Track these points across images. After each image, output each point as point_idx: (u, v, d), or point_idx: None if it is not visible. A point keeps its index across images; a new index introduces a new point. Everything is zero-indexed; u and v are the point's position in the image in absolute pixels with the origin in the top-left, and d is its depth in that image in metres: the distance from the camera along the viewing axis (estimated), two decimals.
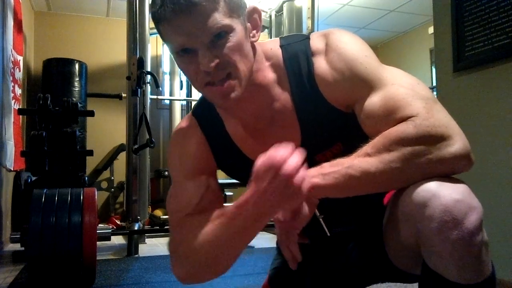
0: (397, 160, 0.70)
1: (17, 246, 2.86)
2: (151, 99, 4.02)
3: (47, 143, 2.74)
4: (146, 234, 3.71)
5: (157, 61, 5.25)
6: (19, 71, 3.60)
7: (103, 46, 5.02)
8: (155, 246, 3.51)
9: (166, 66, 5.31)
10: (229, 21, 0.77)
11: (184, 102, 5.19)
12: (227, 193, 4.06)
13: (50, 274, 1.88)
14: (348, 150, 0.77)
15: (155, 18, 0.79)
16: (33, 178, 2.93)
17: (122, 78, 3.62)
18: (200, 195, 0.90)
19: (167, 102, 5.17)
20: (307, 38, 0.88)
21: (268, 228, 4.60)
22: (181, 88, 5.13)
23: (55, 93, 3.76)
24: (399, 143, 0.70)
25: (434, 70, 4.88)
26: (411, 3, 4.74)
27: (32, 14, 4.82)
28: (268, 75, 0.87)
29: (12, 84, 3.30)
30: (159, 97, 4.87)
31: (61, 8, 4.92)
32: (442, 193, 0.68)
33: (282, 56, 0.88)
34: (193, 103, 5.09)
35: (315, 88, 0.85)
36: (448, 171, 0.72)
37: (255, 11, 0.85)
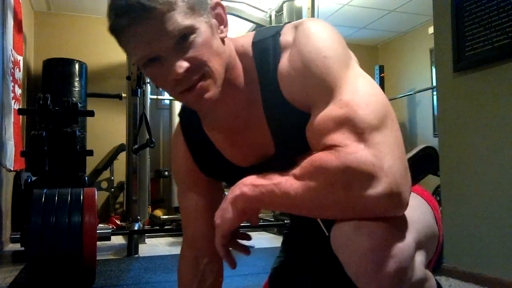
0: (314, 190, 0.66)
1: (17, 246, 2.86)
2: (151, 99, 4.02)
3: (47, 143, 2.74)
4: (146, 234, 3.71)
5: None
6: (19, 71, 3.59)
7: (103, 46, 5.01)
8: (155, 246, 3.51)
9: None
10: (191, 20, 0.72)
11: None
12: (227, 193, 4.05)
13: (50, 274, 1.88)
14: None
15: (113, 32, 0.74)
16: (33, 178, 2.93)
17: (122, 78, 3.62)
18: (191, 222, 1.01)
19: (167, 102, 5.17)
20: (277, 33, 0.82)
21: (268, 228, 4.57)
22: None
23: (55, 93, 3.75)
24: (319, 173, 0.65)
25: (434, 70, 4.88)
26: (411, 3, 4.73)
27: (32, 14, 4.82)
28: (241, 74, 0.83)
29: (12, 84, 3.30)
30: (159, 97, 4.86)
31: (61, 8, 4.92)
32: (355, 241, 0.64)
33: (253, 54, 0.83)
34: None
35: (277, 86, 0.80)
36: (369, 212, 0.65)
37: (217, 5, 0.80)
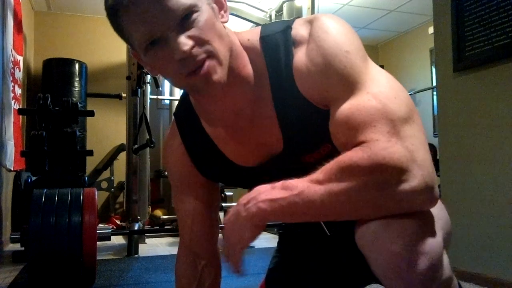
0: (345, 193, 0.62)
1: (17, 246, 2.86)
2: (151, 99, 4.02)
3: (47, 143, 2.74)
4: (146, 234, 3.71)
5: None
6: (19, 71, 3.59)
7: (103, 46, 5.01)
8: (155, 246, 3.51)
9: None
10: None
11: None
12: (227, 193, 4.06)
13: (50, 274, 1.88)
14: (337, 151, 0.70)
15: (112, 11, 0.72)
16: (33, 178, 2.93)
17: (122, 78, 3.62)
18: (188, 226, 0.97)
19: (167, 102, 5.17)
20: (288, 27, 0.80)
21: (268, 228, 4.56)
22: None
23: (55, 93, 3.76)
24: (349, 174, 0.62)
25: (434, 70, 4.88)
26: (411, 3, 4.73)
27: (32, 14, 4.82)
28: (247, 66, 0.80)
29: (12, 84, 3.29)
30: (159, 97, 4.86)
31: (61, 8, 4.92)
32: (385, 238, 0.62)
33: (261, 48, 0.80)
34: None
35: (292, 82, 0.77)
36: (404, 208, 0.63)
37: None
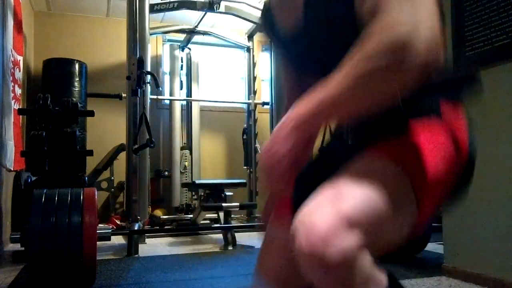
0: (358, 78, 0.66)
1: (17, 246, 2.86)
2: (151, 99, 4.02)
3: (47, 143, 2.74)
4: (146, 234, 3.71)
5: (157, 61, 5.24)
6: (19, 71, 3.59)
7: (103, 46, 5.02)
8: (155, 246, 3.51)
9: (166, 66, 5.31)
10: None
11: (184, 102, 5.19)
12: (227, 193, 4.06)
13: (50, 274, 1.89)
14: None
15: None
16: (33, 178, 2.93)
17: (122, 78, 3.62)
18: None
19: (167, 102, 5.17)
20: None
21: None
22: (181, 88, 5.13)
23: (55, 93, 3.76)
24: (362, 62, 0.66)
25: None
26: None
27: (32, 14, 4.82)
28: None
29: (12, 84, 3.29)
30: (159, 97, 4.87)
31: (61, 8, 4.92)
32: (304, 225, 0.62)
33: None
34: (193, 103, 5.10)
35: None
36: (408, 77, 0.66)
37: None
